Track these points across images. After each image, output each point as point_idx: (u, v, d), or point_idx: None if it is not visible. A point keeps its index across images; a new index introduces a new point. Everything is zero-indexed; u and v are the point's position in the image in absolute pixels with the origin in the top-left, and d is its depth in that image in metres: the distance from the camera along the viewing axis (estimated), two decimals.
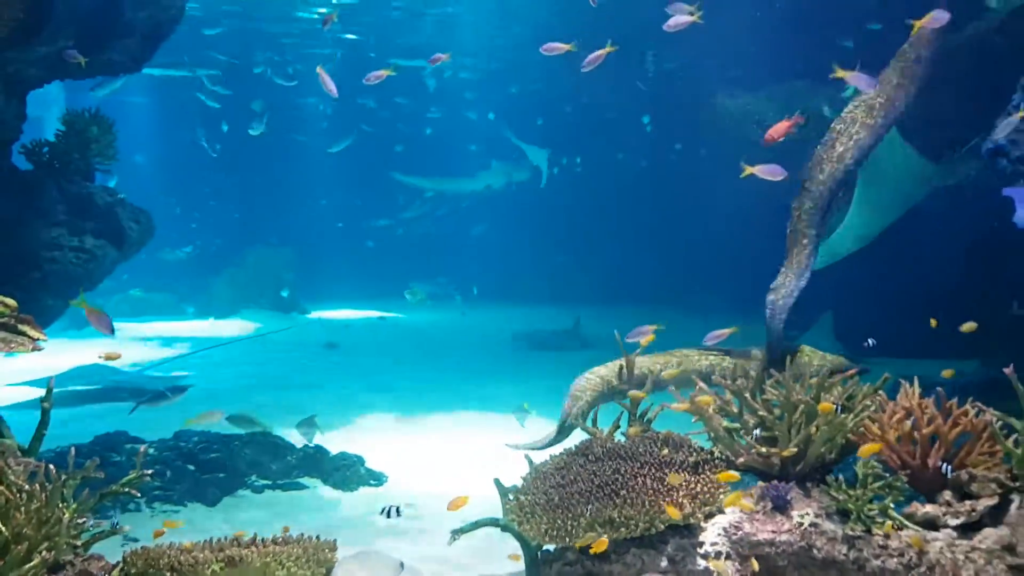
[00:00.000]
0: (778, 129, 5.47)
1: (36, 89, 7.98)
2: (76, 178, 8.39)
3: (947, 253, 10.21)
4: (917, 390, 4.60)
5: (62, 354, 12.01)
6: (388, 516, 4.86)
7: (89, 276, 7.98)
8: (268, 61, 21.99)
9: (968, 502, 4.39)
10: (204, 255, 24.32)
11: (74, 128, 8.44)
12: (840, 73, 5.51)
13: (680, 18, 6.11)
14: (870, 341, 7.40)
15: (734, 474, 4.56)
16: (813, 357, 6.26)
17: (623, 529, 4.49)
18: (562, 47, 6.84)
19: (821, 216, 6.42)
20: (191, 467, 7.83)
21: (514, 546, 5.08)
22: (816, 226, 6.39)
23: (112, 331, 5.20)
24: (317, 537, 4.74)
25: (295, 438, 8.71)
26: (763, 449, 4.66)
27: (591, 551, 4.36)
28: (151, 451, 7.61)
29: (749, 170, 5.57)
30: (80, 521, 4.33)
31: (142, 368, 13.02)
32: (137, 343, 16.55)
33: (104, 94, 11.02)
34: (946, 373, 5.25)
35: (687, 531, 4.54)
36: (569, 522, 4.59)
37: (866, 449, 4.30)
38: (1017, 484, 4.35)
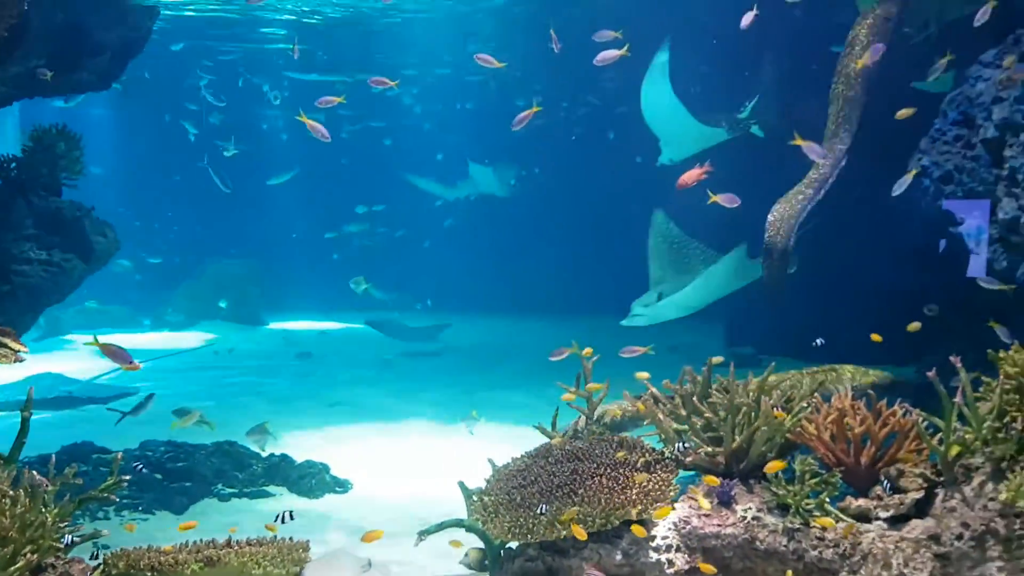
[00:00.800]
0: (689, 176, 5.93)
1: (5, 107, 8.10)
2: (44, 193, 8.51)
3: (885, 260, 10.82)
4: (850, 392, 4.97)
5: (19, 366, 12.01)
6: (283, 522, 5.13)
7: (58, 289, 8.11)
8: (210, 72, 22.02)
9: (897, 496, 4.76)
10: (163, 267, 24.20)
11: (42, 143, 8.56)
12: (798, 141, 6.04)
13: (608, 53, 6.49)
14: (819, 341, 7.76)
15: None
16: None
17: (581, 525, 4.79)
18: (494, 62, 7.14)
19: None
20: (158, 476, 7.98)
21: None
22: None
23: (131, 361, 5.40)
24: (290, 538, 4.97)
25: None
26: (709, 449, 5.00)
27: (571, 535, 4.64)
28: (120, 463, 7.73)
29: (714, 198, 6.03)
30: (61, 525, 4.51)
31: (94, 378, 13.06)
32: (90, 355, 16.49)
33: (71, 105, 11.07)
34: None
35: (641, 526, 4.84)
36: (530, 520, 4.88)
37: (772, 466, 4.68)
38: (941, 479, 4.73)
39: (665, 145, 13.50)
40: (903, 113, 6.45)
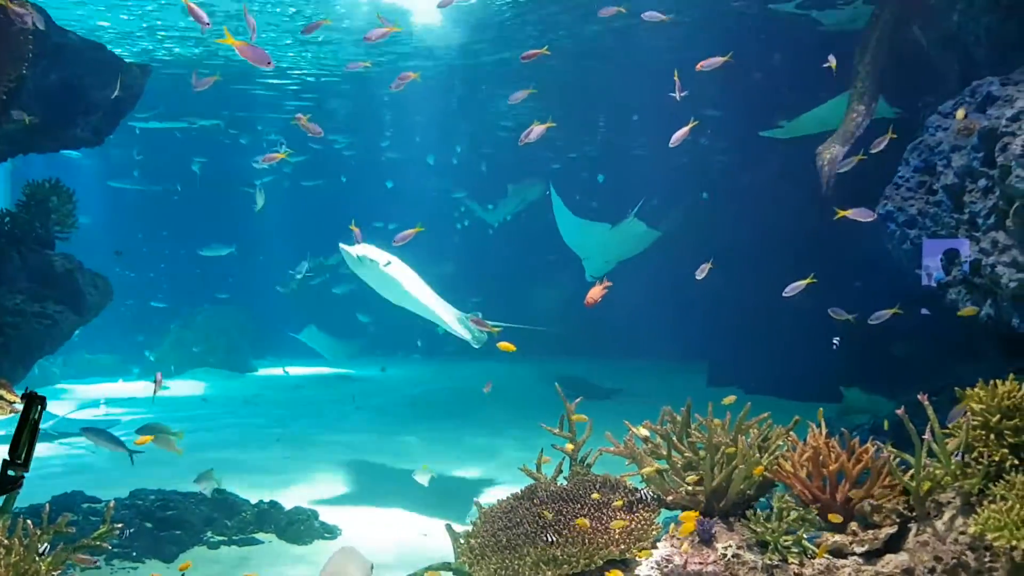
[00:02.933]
0: (593, 295, 6.22)
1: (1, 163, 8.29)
2: (37, 246, 8.67)
3: (858, 302, 11.14)
4: (824, 430, 5.12)
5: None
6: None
7: (51, 341, 8.23)
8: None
9: (871, 531, 4.89)
10: (150, 315, 24.23)
11: (35, 198, 8.74)
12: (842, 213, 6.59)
13: (536, 128, 6.94)
14: (836, 341, 7.93)
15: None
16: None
17: (566, 566, 4.89)
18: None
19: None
20: (148, 524, 8.02)
21: None
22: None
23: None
24: None
25: (250, 494, 8.95)
26: (690, 488, 5.14)
27: None
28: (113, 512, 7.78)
29: (842, 213, 6.69)
30: (55, 573, 4.58)
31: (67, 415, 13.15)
32: (79, 404, 16.49)
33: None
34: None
35: (624, 565, 4.95)
36: (516, 561, 4.98)
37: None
38: (914, 514, 4.88)
39: (586, 260, 16.27)
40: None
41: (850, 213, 6.63)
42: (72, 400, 16.50)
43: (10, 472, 3.29)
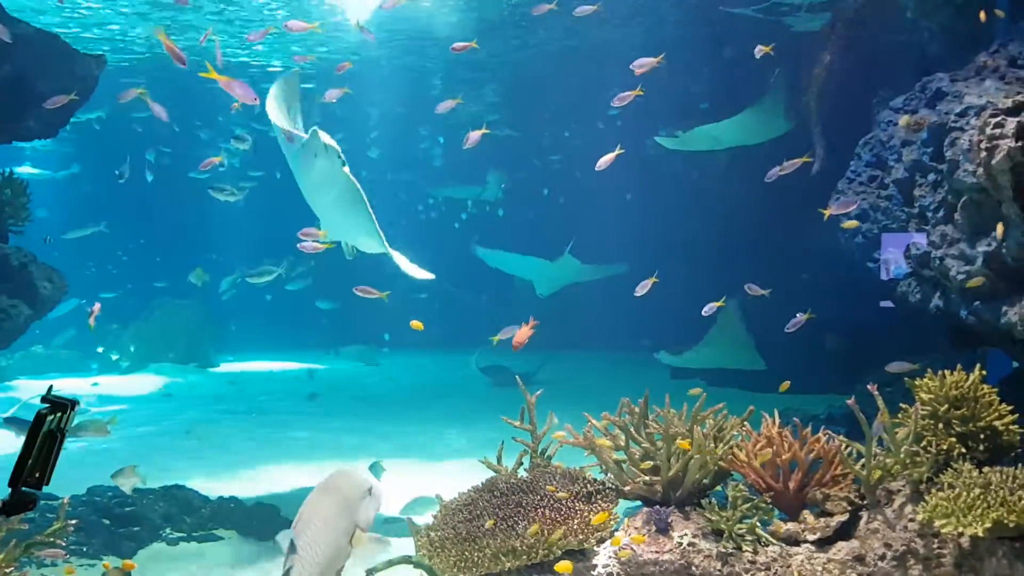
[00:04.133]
0: (520, 337, 6.31)
1: None
2: None
3: (816, 295, 11.36)
4: (777, 421, 5.22)
5: None
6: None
7: (3, 336, 8.08)
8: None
9: (823, 519, 5.01)
10: (110, 309, 23.84)
11: None
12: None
13: (473, 135, 7.29)
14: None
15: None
16: None
17: (524, 557, 4.94)
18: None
19: None
20: (106, 521, 7.93)
21: None
22: None
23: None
24: None
25: (210, 489, 8.88)
26: (647, 478, 5.20)
27: (515, 567, 4.79)
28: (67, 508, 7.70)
29: (828, 212, 7.04)
30: (7, 570, 4.53)
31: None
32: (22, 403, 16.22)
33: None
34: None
35: (582, 555, 5.01)
36: (476, 553, 5.01)
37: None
38: (865, 502, 4.99)
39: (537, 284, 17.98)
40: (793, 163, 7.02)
41: (833, 209, 6.82)
42: (22, 395, 16.21)
43: (24, 489, 2.61)
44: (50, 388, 2.71)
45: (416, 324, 6.85)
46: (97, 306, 7.55)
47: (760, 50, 7.34)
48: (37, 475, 2.59)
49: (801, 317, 7.05)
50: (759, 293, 7.40)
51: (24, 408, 13.31)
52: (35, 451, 2.59)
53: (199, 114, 23.20)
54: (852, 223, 7.24)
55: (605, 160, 7.19)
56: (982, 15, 7.47)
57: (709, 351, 12.09)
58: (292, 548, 3.48)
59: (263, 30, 8.37)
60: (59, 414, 2.66)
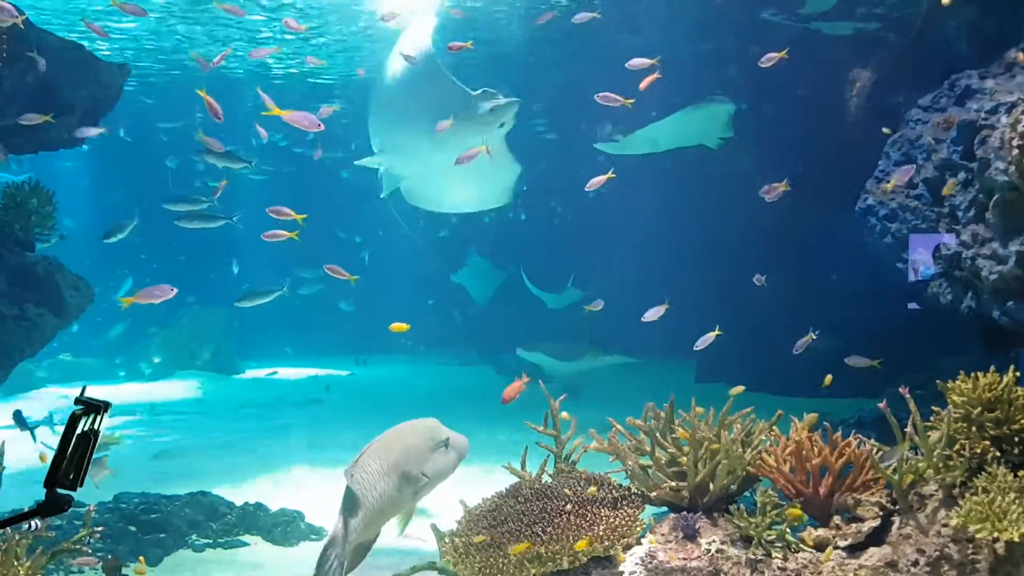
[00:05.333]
0: (509, 392, 6.27)
1: None
2: (17, 248, 8.59)
3: (844, 296, 11.18)
4: (807, 425, 5.13)
5: None
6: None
7: (30, 344, 8.15)
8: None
9: (854, 524, 4.90)
10: (138, 317, 24.06)
11: (15, 200, 8.65)
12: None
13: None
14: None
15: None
16: None
17: (550, 564, 4.88)
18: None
19: None
20: (132, 528, 7.97)
21: None
22: None
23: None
24: None
25: (235, 496, 8.90)
26: (673, 484, 5.13)
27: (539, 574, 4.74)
28: (93, 515, 7.75)
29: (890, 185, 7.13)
30: None
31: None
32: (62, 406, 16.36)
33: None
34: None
35: (608, 562, 4.95)
36: (500, 560, 4.96)
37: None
38: (896, 507, 4.89)
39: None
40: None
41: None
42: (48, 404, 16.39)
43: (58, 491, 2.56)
44: (83, 389, 2.69)
45: (398, 327, 6.88)
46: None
47: (770, 57, 7.29)
48: (72, 476, 2.55)
49: (807, 338, 6.97)
50: (761, 283, 7.33)
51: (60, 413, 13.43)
52: (69, 453, 2.56)
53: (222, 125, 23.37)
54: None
55: (595, 182, 7.47)
56: None
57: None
58: (347, 494, 3.40)
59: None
60: (93, 415, 2.64)
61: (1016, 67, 7.15)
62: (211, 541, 8.30)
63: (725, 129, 11.66)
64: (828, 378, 6.59)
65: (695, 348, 7.27)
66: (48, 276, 8.63)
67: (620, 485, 5.44)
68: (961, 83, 7.34)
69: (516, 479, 5.85)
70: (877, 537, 4.84)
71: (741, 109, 12.10)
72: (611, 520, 5.03)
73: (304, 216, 7.22)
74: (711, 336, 7.20)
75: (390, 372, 21.37)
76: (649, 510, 5.37)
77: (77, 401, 2.67)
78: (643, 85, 7.24)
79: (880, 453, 4.97)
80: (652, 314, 7.38)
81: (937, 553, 4.62)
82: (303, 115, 6.48)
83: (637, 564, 4.89)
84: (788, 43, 7.46)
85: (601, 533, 4.95)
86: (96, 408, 2.65)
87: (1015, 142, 5.75)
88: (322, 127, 6.57)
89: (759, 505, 4.90)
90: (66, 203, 9.76)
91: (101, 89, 8.33)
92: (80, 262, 10.15)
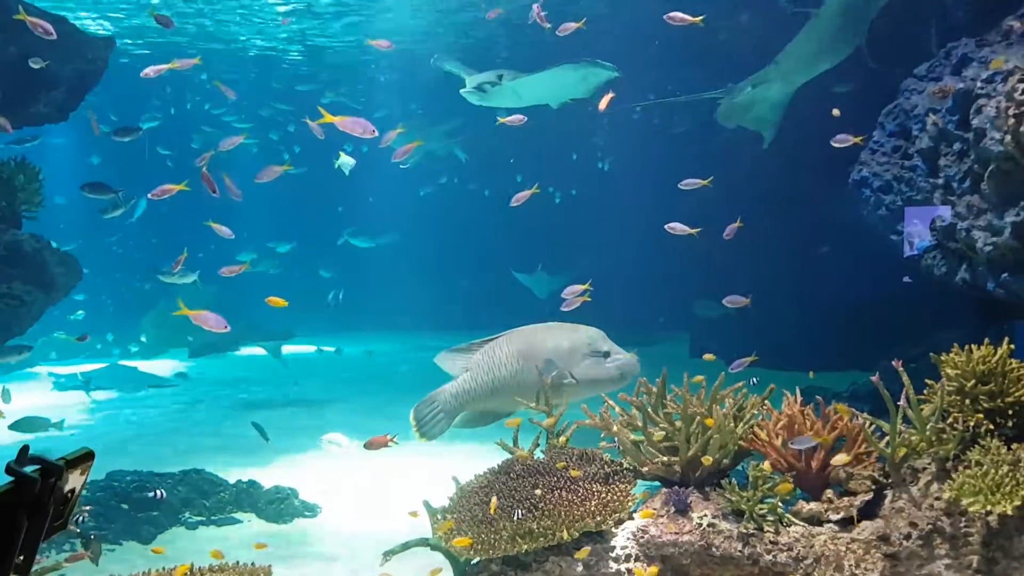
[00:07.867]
0: (375, 443, 6.20)
1: None
2: (3, 225, 8.48)
3: (838, 270, 11.10)
4: (799, 399, 5.09)
5: None
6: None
7: (18, 321, 8.08)
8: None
9: (847, 498, 4.88)
10: (131, 295, 23.98)
11: (0, 176, 8.54)
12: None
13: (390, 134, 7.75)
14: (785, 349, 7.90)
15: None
16: None
17: (542, 539, 4.86)
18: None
19: None
20: (125, 506, 7.95)
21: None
22: None
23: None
24: (252, 563, 4.99)
25: (228, 474, 8.88)
26: (665, 458, 5.10)
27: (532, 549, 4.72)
28: (84, 492, 7.74)
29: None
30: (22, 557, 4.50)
31: None
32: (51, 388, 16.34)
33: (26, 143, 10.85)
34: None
35: (600, 537, 4.93)
36: (492, 535, 4.94)
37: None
38: (889, 480, 4.86)
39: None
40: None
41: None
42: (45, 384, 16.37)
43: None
44: (25, 449, 1.80)
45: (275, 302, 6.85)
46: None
47: (682, 18, 7.16)
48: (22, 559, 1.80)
49: (744, 300, 6.94)
50: (741, 304, 7.26)
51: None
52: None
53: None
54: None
55: (520, 197, 7.73)
56: None
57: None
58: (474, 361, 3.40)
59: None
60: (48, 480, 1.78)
61: (1013, 35, 7.05)
62: (204, 519, 8.29)
63: (588, 92, 11.37)
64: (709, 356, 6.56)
65: (561, 309, 7.16)
66: (36, 253, 8.54)
67: (612, 460, 5.42)
68: (958, 51, 7.25)
69: (508, 455, 5.82)
70: (870, 511, 4.82)
71: (620, 78, 11.75)
72: (603, 495, 5.01)
73: (288, 167, 7.21)
74: (578, 291, 7.12)
75: (386, 348, 21.37)
76: (641, 485, 5.36)
77: (18, 464, 1.78)
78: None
79: (873, 426, 4.94)
80: (568, 306, 7.26)
81: (930, 527, 4.60)
82: (355, 122, 6.33)
83: (629, 539, 4.87)
84: (778, 12, 7.37)
85: (593, 508, 4.93)
86: (51, 472, 1.79)
87: (1011, 111, 5.67)
88: (375, 133, 6.49)
89: (751, 479, 4.87)
90: (56, 180, 9.62)
91: (87, 63, 8.18)
92: (74, 239, 10.05)
